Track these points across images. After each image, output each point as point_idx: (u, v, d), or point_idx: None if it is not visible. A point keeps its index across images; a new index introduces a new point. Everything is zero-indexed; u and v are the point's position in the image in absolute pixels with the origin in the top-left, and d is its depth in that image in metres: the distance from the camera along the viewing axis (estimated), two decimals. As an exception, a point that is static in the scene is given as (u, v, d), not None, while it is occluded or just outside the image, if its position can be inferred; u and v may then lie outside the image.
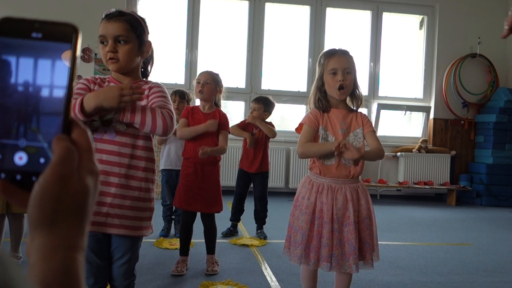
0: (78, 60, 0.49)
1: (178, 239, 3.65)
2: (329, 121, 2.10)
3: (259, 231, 3.96)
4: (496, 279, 3.04)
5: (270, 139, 4.05)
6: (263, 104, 3.97)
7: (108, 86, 1.61)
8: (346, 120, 2.10)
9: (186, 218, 2.96)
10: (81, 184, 0.46)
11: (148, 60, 1.81)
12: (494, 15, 7.01)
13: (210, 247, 3.02)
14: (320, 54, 2.17)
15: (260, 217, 3.99)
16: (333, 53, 2.09)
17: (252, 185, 4.05)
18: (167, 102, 1.65)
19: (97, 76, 1.73)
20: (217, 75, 3.04)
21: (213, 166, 2.94)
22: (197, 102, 3.24)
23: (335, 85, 2.04)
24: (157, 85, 1.69)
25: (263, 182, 4.01)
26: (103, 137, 1.60)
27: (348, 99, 2.16)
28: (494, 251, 3.82)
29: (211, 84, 2.95)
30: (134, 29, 1.63)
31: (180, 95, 3.91)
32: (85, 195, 0.47)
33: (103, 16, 1.64)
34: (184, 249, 2.98)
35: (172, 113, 1.62)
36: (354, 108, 2.17)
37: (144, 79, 1.75)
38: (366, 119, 2.16)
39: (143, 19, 1.70)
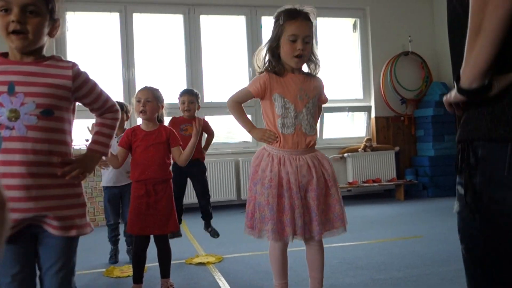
0: None
1: (130, 265, 3.48)
2: (286, 87, 1.97)
3: (209, 228, 3.83)
4: (451, 268, 3.09)
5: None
6: (195, 96, 3.90)
7: None
8: (304, 85, 1.98)
9: (139, 244, 2.79)
10: None
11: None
12: (422, 13, 7.33)
13: (165, 270, 2.87)
14: (280, 11, 1.99)
15: (206, 212, 3.86)
16: (295, 16, 1.93)
17: (190, 181, 3.91)
18: (102, 92, 1.56)
19: None
20: (157, 90, 2.90)
21: (165, 184, 2.81)
22: (135, 117, 3.09)
23: (292, 53, 1.92)
24: (81, 71, 1.48)
25: (201, 173, 3.87)
26: (12, 134, 1.34)
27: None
28: (446, 240, 3.91)
29: (152, 102, 2.81)
30: (47, 1, 1.38)
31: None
32: None
33: None
34: (138, 277, 2.81)
35: (110, 99, 1.59)
36: (312, 73, 2.06)
37: (54, 56, 1.47)
38: (322, 88, 2.07)
39: None
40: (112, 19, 6.35)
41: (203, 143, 4.03)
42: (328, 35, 7.11)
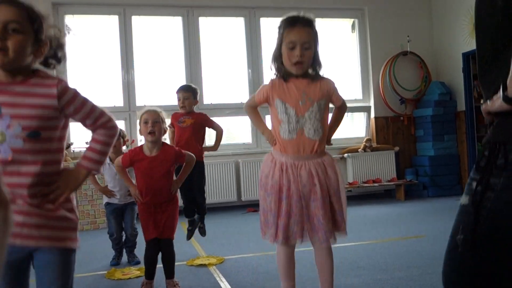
0: None
1: (131, 267, 3.49)
2: (287, 92, 1.98)
3: (201, 224, 3.88)
4: (453, 267, 3.08)
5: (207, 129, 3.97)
6: (191, 92, 3.87)
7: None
8: (308, 89, 1.98)
9: (152, 248, 2.85)
10: None
11: (58, 53, 1.47)
12: (420, 13, 7.34)
13: (169, 271, 2.92)
14: (281, 20, 2.01)
15: (202, 208, 3.90)
16: (293, 23, 1.94)
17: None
18: (94, 107, 1.43)
19: None
20: (161, 112, 2.85)
21: (171, 201, 2.86)
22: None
23: (291, 60, 1.93)
24: (68, 86, 1.38)
25: (200, 172, 3.86)
26: None
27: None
28: (447, 239, 3.90)
29: (160, 123, 2.76)
30: (32, 20, 1.33)
31: None
32: None
33: None
34: (151, 274, 2.89)
35: (105, 114, 1.47)
36: (319, 76, 2.05)
37: (40, 71, 1.40)
38: (333, 89, 2.04)
39: (43, 14, 1.39)
40: (111, 22, 6.35)
41: (208, 140, 3.99)
42: (326, 36, 7.12)
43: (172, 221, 2.85)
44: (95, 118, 1.44)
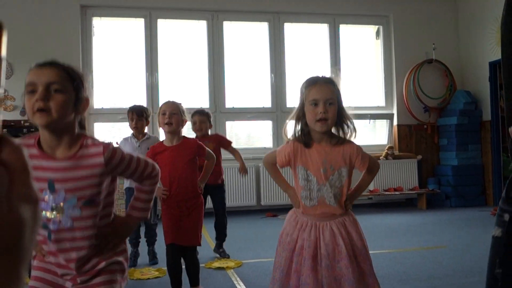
0: (4, 64, 0.40)
1: (150, 268, 3.53)
2: (310, 159, 1.92)
3: (221, 249, 3.87)
4: (475, 279, 3.03)
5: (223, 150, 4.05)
6: (206, 116, 3.93)
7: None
8: (329, 157, 1.92)
9: (172, 253, 2.74)
10: (12, 215, 0.36)
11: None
12: (446, 20, 7.25)
13: (194, 279, 2.83)
14: (302, 83, 2.00)
15: (222, 233, 3.91)
16: (314, 82, 1.92)
17: (210, 200, 3.93)
18: (139, 162, 1.51)
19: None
20: (180, 104, 2.85)
21: (196, 199, 2.77)
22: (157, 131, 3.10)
23: (315, 117, 1.87)
24: (115, 150, 1.45)
25: (221, 196, 3.94)
26: (60, 226, 1.39)
27: (334, 130, 1.98)
28: (469, 251, 3.84)
29: (178, 115, 2.75)
30: (72, 79, 1.38)
31: (138, 112, 3.71)
32: (18, 228, 0.37)
33: (32, 66, 1.38)
34: (176, 285, 2.78)
35: (148, 164, 1.54)
36: (344, 137, 1.98)
37: (90, 137, 1.46)
38: (355, 155, 1.97)
39: (81, 73, 1.46)
40: (137, 24, 6.46)
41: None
42: (351, 42, 7.09)
43: (196, 228, 2.76)
44: (141, 171, 1.52)
